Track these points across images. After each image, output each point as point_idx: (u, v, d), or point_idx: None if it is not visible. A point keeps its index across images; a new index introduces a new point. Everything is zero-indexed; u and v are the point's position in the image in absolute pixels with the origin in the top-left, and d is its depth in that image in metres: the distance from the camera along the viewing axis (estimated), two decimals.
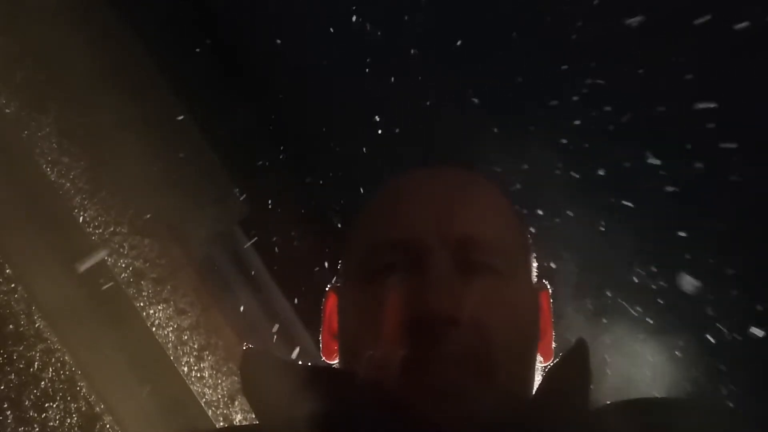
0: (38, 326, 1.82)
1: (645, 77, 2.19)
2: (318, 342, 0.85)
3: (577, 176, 2.32)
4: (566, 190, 2.26)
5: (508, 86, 2.23)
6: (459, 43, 2.15)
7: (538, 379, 0.75)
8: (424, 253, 0.71)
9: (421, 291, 0.68)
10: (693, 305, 2.25)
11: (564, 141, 2.31)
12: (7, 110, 1.88)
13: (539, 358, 0.77)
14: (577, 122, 2.30)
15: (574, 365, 0.73)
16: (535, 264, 0.81)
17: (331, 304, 0.84)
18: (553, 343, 0.80)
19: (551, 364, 0.76)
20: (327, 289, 0.86)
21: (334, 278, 0.87)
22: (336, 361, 0.81)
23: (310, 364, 0.77)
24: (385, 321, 0.69)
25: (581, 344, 0.74)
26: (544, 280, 0.82)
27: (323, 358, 0.83)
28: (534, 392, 0.74)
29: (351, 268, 0.80)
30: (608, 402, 0.70)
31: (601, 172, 2.31)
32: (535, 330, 0.76)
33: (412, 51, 2.11)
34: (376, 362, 0.68)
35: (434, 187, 0.79)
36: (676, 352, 2.27)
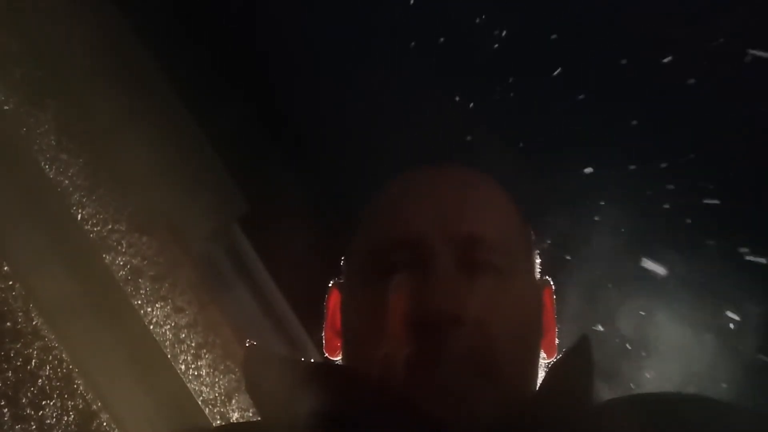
0: (36, 323, 1.81)
1: None
2: (317, 340, 0.86)
3: None
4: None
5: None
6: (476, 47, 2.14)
7: (541, 375, 0.76)
8: (428, 252, 0.72)
9: (425, 290, 0.69)
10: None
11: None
12: (6, 107, 1.87)
13: (543, 354, 0.77)
14: None
15: (577, 361, 0.73)
16: (538, 260, 0.82)
17: (333, 301, 0.85)
18: (557, 339, 0.81)
19: (554, 361, 0.77)
20: (329, 285, 0.87)
21: (337, 275, 0.87)
22: (338, 358, 0.81)
23: (313, 360, 0.78)
24: (390, 319, 0.69)
25: (584, 340, 0.75)
26: (547, 277, 0.83)
27: (326, 354, 0.84)
28: (537, 389, 0.74)
29: (354, 265, 0.81)
30: (612, 397, 0.71)
31: None
32: (538, 327, 0.77)
33: (423, 51, 2.10)
34: (381, 360, 0.68)
35: (437, 185, 0.80)
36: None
